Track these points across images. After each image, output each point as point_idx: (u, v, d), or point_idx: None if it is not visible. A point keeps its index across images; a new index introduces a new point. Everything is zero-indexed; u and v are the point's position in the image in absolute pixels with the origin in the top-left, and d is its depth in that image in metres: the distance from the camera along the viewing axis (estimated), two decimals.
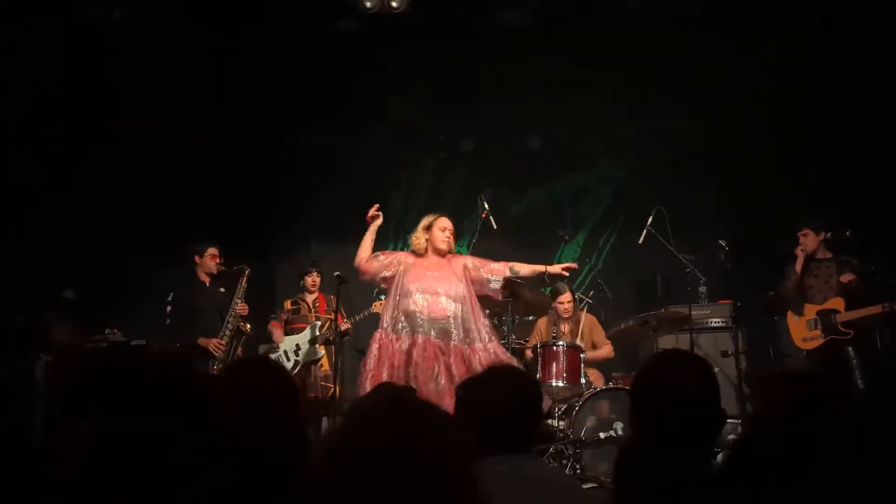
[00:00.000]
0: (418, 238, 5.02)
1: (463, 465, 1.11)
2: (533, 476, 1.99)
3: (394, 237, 8.19)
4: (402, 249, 8.14)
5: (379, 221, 5.08)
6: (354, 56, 6.42)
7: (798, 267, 5.44)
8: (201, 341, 5.44)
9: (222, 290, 5.74)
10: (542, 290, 6.54)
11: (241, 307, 5.63)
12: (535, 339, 6.05)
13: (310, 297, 6.36)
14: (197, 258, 5.66)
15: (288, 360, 6.06)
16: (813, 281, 5.52)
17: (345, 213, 7.88)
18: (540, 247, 7.86)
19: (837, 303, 5.36)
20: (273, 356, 5.97)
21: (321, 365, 6.07)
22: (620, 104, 7.00)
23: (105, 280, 6.75)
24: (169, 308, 5.55)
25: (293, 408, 1.79)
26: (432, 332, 4.71)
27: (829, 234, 5.45)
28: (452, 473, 1.08)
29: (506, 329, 6.08)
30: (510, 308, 5.88)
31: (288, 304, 6.38)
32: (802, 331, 5.48)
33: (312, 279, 6.34)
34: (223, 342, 5.49)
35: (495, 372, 2.25)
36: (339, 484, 1.05)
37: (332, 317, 6.07)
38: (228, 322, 5.56)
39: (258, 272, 7.46)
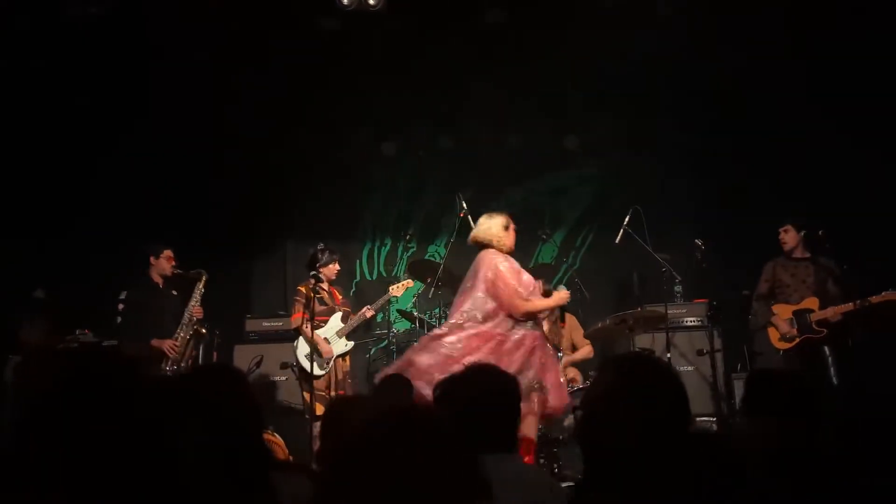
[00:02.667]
0: (503, 238, 4.83)
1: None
2: (512, 475, 1.98)
3: (371, 236, 8.16)
4: (378, 248, 8.16)
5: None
6: (332, 54, 6.37)
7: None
8: (154, 342, 5.37)
9: (174, 292, 5.68)
10: None
11: (197, 310, 5.57)
12: None
13: (325, 286, 5.93)
14: (152, 259, 5.57)
15: (321, 357, 5.75)
16: (790, 280, 5.56)
17: (322, 212, 7.85)
18: (518, 246, 7.85)
19: (812, 302, 5.42)
20: (304, 354, 5.67)
21: (345, 359, 5.89)
22: (598, 104, 7.03)
23: (77, 280, 6.64)
24: (121, 307, 5.46)
25: (253, 421, 1.74)
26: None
27: (803, 233, 5.52)
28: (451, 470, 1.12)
29: None
30: None
31: (309, 291, 5.67)
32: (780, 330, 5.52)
33: (335, 267, 5.95)
34: (177, 343, 5.43)
35: (475, 370, 2.24)
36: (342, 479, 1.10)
37: (349, 309, 5.99)
38: (183, 325, 5.52)
39: (234, 271, 7.42)
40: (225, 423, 1.58)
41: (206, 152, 7.25)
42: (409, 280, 6.23)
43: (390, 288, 6.07)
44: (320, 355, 5.71)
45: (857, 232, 5.86)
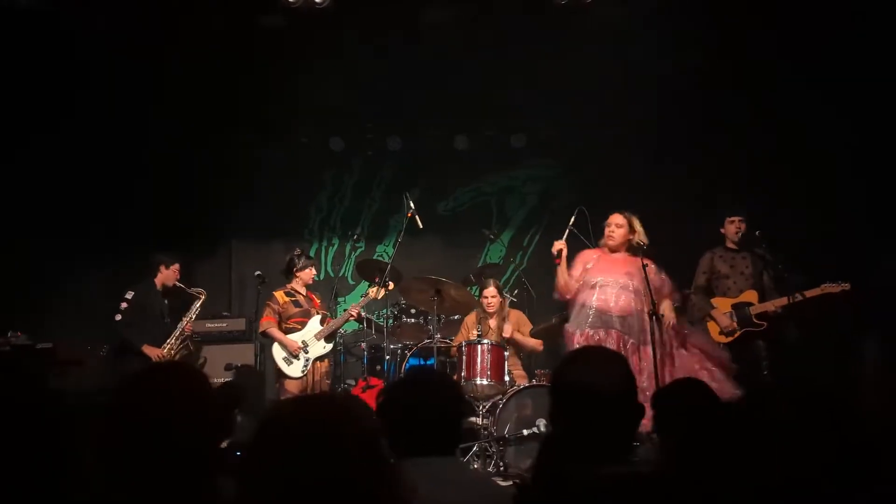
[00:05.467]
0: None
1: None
2: (454, 477, 1.99)
3: (318, 236, 8.08)
4: (326, 248, 8.08)
5: (565, 251, 5.04)
6: (278, 52, 6.27)
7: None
8: (146, 349, 5.63)
9: (166, 301, 6.00)
10: (469, 288, 6.58)
11: (188, 327, 5.92)
12: (461, 337, 6.06)
13: (303, 291, 5.98)
14: (163, 268, 5.92)
15: (298, 359, 5.75)
16: (728, 271, 5.59)
17: (267, 211, 7.74)
18: (466, 246, 7.91)
19: (751, 295, 5.46)
20: (282, 355, 5.73)
21: (322, 361, 5.88)
22: (545, 105, 7.09)
23: (9, 281, 6.41)
24: (124, 305, 5.68)
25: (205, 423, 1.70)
26: (618, 326, 4.77)
27: (745, 228, 5.61)
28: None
29: (431, 328, 6.08)
30: (435, 307, 5.89)
31: (283, 297, 5.87)
32: (720, 324, 5.54)
33: (311, 272, 6.00)
34: (164, 354, 5.69)
35: (415, 375, 2.25)
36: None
37: (327, 312, 5.98)
38: (174, 337, 5.81)
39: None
40: (173, 425, 1.54)
41: (147, 150, 7.08)
42: (391, 284, 6.06)
43: (369, 290, 6.04)
44: (293, 355, 5.75)
45: (792, 229, 6.06)
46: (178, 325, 5.87)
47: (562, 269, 5.01)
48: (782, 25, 5.78)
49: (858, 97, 5.99)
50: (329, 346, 5.88)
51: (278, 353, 5.78)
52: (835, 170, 6.28)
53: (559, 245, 5.02)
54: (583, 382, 1.80)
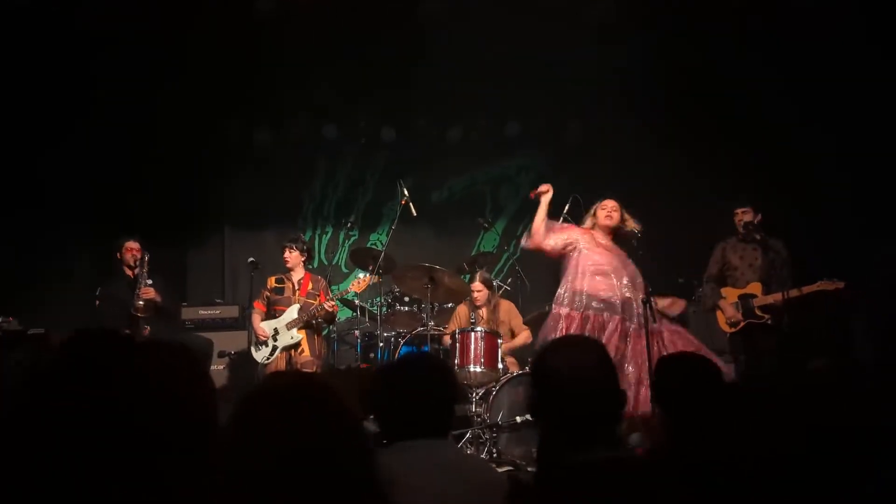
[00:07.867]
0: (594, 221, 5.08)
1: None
2: (448, 460, 2.00)
3: (312, 223, 8.07)
4: (319, 236, 8.08)
5: (549, 195, 5.01)
6: (273, 40, 6.24)
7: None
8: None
9: (150, 281, 5.76)
10: (462, 276, 6.58)
11: (144, 291, 5.64)
12: (454, 325, 6.07)
13: (295, 277, 5.96)
14: (118, 255, 5.77)
15: (266, 345, 5.79)
16: (738, 262, 5.60)
17: (260, 198, 7.73)
18: (459, 234, 7.92)
19: (755, 287, 5.47)
20: (253, 340, 5.87)
21: (301, 350, 5.79)
22: (538, 94, 7.08)
23: (2, 267, 6.38)
24: (98, 302, 5.66)
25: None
26: (621, 312, 4.75)
27: (759, 217, 5.61)
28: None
29: (424, 316, 6.08)
30: (429, 295, 5.89)
31: (272, 282, 5.96)
32: (725, 314, 5.57)
33: (285, 256, 5.93)
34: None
35: (409, 358, 2.26)
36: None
37: (315, 300, 5.88)
38: (136, 309, 5.63)
39: (170, 258, 7.24)
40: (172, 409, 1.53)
41: (141, 137, 7.04)
42: (369, 276, 5.97)
43: (350, 285, 6.01)
44: (261, 342, 5.81)
45: (796, 222, 6.09)
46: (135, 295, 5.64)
47: (541, 213, 4.98)
48: (779, 24, 5.80)
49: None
50: (298, 337, 5.80)
51: (252, 337, 5.90)
52: (824, 165, 6.32)
53: (546, 186, 5.00)
54: (562, 370, 1.80)
